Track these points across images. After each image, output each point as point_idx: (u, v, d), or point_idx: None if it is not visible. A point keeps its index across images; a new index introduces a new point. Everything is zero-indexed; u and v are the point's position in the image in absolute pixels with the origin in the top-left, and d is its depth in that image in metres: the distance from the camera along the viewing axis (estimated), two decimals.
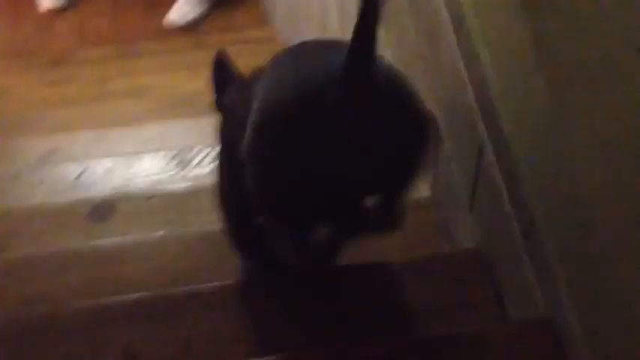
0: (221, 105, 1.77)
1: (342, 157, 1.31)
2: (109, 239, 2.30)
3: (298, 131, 1.30)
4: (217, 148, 1.81)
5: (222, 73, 1.80)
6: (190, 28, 4.65)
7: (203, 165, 2.69)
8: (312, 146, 1.30)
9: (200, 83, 3.63)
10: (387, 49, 2.45)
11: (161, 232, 2.32)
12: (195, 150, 2.72)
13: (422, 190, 2.30)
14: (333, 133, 1.30)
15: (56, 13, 4.63)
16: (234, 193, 1.68)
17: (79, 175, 2.67)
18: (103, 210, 2.40)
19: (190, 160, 2.70)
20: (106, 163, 2.71)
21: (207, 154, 2.71)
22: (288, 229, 1.48)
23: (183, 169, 2.69)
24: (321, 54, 1.44)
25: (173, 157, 2.72)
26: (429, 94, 2.12)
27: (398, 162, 1.39)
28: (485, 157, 1.78)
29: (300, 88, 1.32)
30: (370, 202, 1.47)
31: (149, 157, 2.74)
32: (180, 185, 2.63)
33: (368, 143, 1.32)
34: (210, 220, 2.36)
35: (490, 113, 1.72)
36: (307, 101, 1.31)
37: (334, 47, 1.45)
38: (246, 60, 3.96)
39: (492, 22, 1.67)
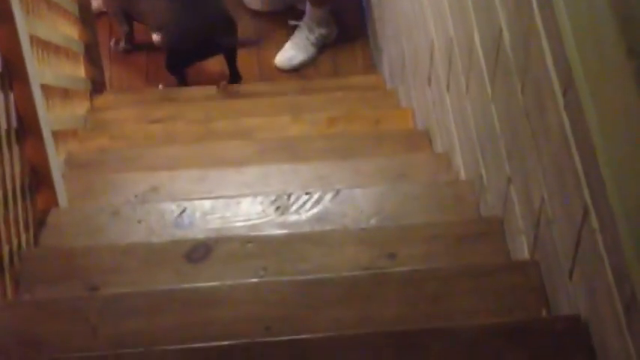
0: None
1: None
2: (203, 282, 2.31)
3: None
4: None
5: None
6: (296, 71, 4.68)
7: (301, 212, 2.68)
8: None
9: (303, 128, 3.67)
10: (492, 103, 2.43)
11: (255, 278, 2.32)
12: (294, 196, 2.72)
13: (521, 252, 2.26)
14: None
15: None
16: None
17: (178, 215, 2.69)
18: (199, 252, 2.42)
19: (289, 207, 2.70)
20: (205, 205, 2.73)
21: (306, 202, 2.70)
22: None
23: (281, 215, 2.69)
24: None
25: (272, 203, 2.72)
26: (533, 153, 2.08)
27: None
28: (589, 223, 1.74)
29: None
30: None
31: (248, 201, 2.74)
32: (277, 231, 2.63)
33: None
34: (306, 270, 2.36)
35: (596, 179, 1.68)
36: None
37: None
38: (351, 106, 3.99)
39: (602, 88, 1.63)
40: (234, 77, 4.58)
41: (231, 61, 4.55)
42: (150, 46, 4.68)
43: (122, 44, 4.71)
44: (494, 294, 2.13)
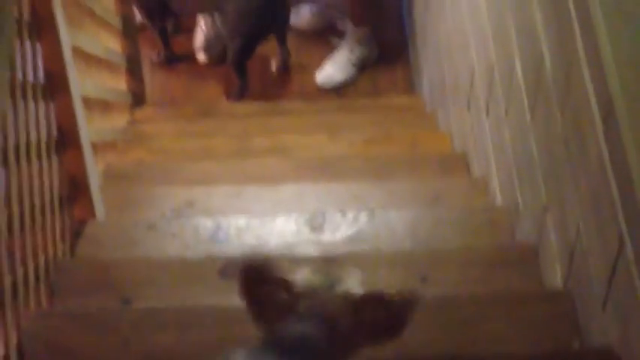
0: None
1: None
2: (236, 299, 2.31)
3: None
4: None
5: None
6: (336, 90, 4.68)
7: (335, 232, 2.68)
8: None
9: (340, 146, 3.67)
10: (530, 130, 2.42)
11: None
12: (329, 216, 2.73)
13: (554, 280, 2.25)
14: None
15: (209, 66, 4.73)
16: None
17: (213, 231, 2.70)
18: (233, 268, 2.42)
19: (323, 226, 2.70)
20: (240, 221, 2.73)
21: (341, 222, 2.71)
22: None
23: (315, 234, 2.69)
24: None
25: (307, 221, 2.73)
26: (570, 181, 2.07)
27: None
28: (625, 254, 1.73)
29: None
30: None
31: (283, 219, 2.75)
32: (311, 250, 2.63)
33: None
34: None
35: (633, 210, 1.67)
36: None
37: None
38: (388, 127, 3.99)
39: None
40: (285, 55, 4.68)
41: (283, 37, 4.61)
42: (189, 57, 4.73)
43: (162, 54, 4.73)
44: (526, 322, 2.12)
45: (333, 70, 4.67)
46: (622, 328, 1.79)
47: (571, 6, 1.99)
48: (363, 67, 4.73)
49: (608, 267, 1.83)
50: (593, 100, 1.88)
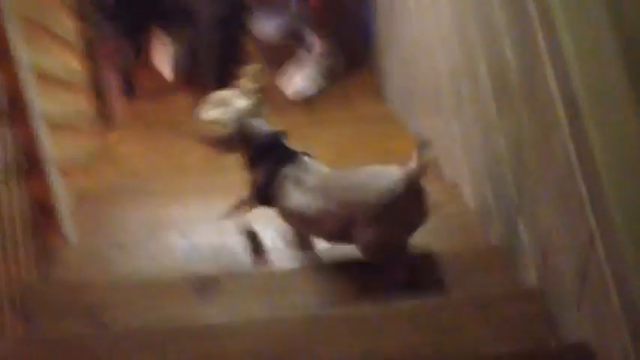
0: None
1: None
2: (212, 317, 2.31)
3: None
4: None
5: None
6: (306, 103, 4.68)
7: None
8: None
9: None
10: (500, 133, 2.42)
11: (264, 312, 2.31)
12: None
13: (529, 280, 2.25)
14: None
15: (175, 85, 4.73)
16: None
17: (186, 250, 2.69)
18: (207, 286, 2.41)
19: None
20: (214, 238, 2.72)
21: None
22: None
23: (289, 247, 2.68)
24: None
25: (280, 236, 2.72)
26: (539, 182, 2.08)
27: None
28: (595, 252, 1.73)
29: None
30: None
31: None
32: (286, 264, 2.62)
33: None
34: (315, 304, 2.35)
35: (601, 208, 1.67)
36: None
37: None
38: (360, 137, 3.98)
39: (607, 116, 1.63)
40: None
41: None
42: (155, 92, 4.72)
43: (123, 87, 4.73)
44: (502, 322, 2.12)
45: (302, 82, 4.68)
46: (596, 325, 1.79)
47: (531, 6, 1.99)
48: (331, 77, 4.75)
49: (579, 264, 1.83)
50: (558, 99, 1.89)
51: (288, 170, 2.53)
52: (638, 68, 1.46)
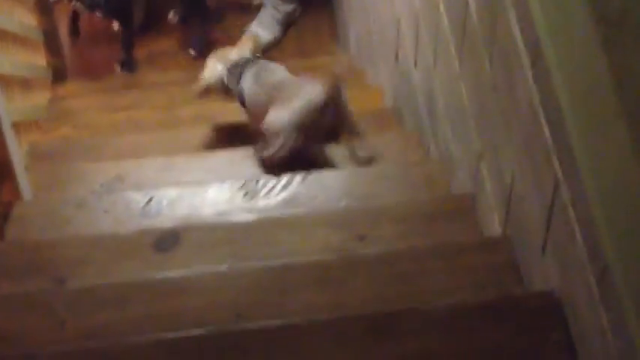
0: None
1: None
2: (172, 271, 2.27)
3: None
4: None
5: None
6: (263, 51, 4.62)
7: (270, 196, 2.65)
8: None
9: None
10: (460, 78, 2.40)
11: (225, 265, 2.28)
12: (263, 181, 2.69)
13: (493, 229, 2.24)
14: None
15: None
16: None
17: (145, 205, 2.64)
18: (167, 241, 2.38)
19: (257, 192, 2.66)
20: (172, 193, 2.68)
21: (275, 186, 2.67)
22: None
23: (250, 200, 2.65)
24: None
25: (240, 188, 2.68)
26: (503, 128, 2.06)
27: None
28: (560, 197, 1.71)
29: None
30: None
31: (215, 188, 2.70)
32: (246, 216, 2.59)
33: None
34: (276, 254, 2.33)
35: (566, 152, 1.65)
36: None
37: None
38: None
39: (571, 58, 1.60)
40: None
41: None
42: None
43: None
44: (467, 272, 2.11)
45: (260, 30, 4.60)
46: (561, 271, 1.78)
47: None
48: (288, 24, 4.68)
49: (544, 210, 1.82)
50: (520, 43, 1.86)
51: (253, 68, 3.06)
52: (602, 9, 1.44)
